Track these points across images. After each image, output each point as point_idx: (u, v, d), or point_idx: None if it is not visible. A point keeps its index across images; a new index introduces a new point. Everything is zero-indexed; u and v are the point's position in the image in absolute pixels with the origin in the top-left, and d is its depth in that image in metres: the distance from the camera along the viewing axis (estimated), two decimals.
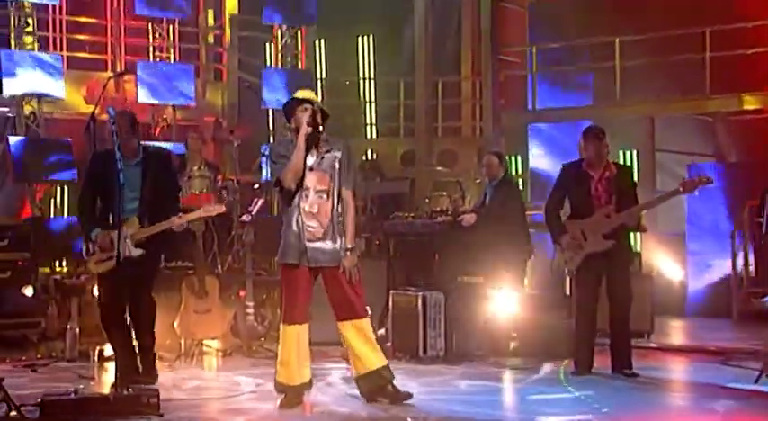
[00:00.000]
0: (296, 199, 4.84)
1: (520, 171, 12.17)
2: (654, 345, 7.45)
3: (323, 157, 4.91)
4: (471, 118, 12.76)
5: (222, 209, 5.89)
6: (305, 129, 4.81)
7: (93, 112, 5.20)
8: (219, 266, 8.47)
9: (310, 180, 4.88)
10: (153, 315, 5.78)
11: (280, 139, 5.34)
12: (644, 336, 7.60)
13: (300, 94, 4.97)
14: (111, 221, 5.41)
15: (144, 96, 10.34)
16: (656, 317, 7.88)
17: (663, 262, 10.05)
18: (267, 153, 5.16)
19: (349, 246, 4.86)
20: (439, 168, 10.90)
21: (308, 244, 4.81)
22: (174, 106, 10.64)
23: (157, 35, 11.13)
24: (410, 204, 9.56)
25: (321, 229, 4.85)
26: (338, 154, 4.93)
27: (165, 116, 10.65)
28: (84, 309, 7.20)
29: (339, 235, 4.90)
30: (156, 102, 10.46)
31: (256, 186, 9.18)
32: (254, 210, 8.24)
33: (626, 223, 5.84)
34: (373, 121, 13.07)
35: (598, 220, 5.93)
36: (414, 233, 7.74)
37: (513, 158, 12.08)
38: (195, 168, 8.62)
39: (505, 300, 7.01)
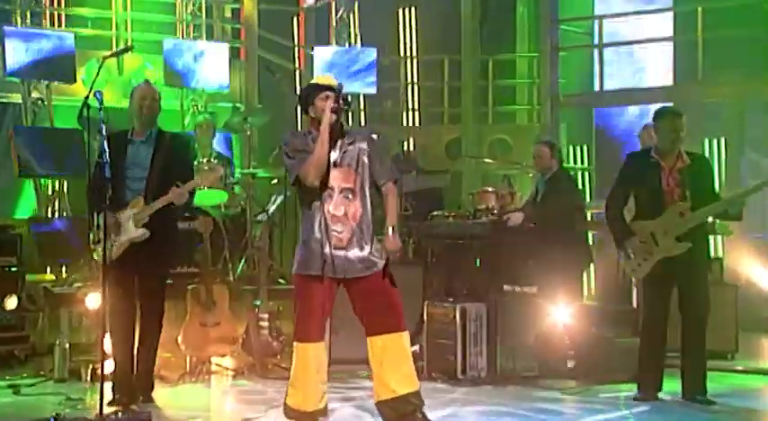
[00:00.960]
0: (318, 200, 4.87)
1: (585, 163, 12.20)
2: (737, 368, 7.40)
3: (345, 151, 4.95)
4: (528, 102, 12.79)
5: (220, 172, 6.18)
6: (329, 118, 4.84)
7: (87, 97, 5.35)
8: (231, 273, 8.48)
9: (334, 178, 4.92)
10: (157, 336, 5.95)
11: (294, 131, 5.33)
12: (725, 357, 7.60)
13: (320, 79, 5.04)
14: (116, 203, 5.62)
15: (171, 80, 10.35)
16: (742, 334, 7.82)
17: (751, 269, 9.98)
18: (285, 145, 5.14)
19: (392, 225, 4.91)
20: (487, 160, 10.88)
21: (333, 251, 4.82)
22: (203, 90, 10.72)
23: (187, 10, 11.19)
24: (452, 202, 9.57)
25: (348, 235, 4.87)
26: (363, 145, 4.97)
27: (193, 101, 10.74)
28: (75, 322, 7.27)
29: (369, 240, 4.91)
30: (183, 86, 10.56)
31: (275, 181, 9.28)
32: (272, 209, 8.47)
33: (727, 211, 5.84)
34: (415, 106, 13.13)
35: (670, 220, 5.90)
36: (453, 235, 7.68)
37: (575, 149, 12.19)
38: (204, 160, 8.67)
39: (560, 312, 7.01)
